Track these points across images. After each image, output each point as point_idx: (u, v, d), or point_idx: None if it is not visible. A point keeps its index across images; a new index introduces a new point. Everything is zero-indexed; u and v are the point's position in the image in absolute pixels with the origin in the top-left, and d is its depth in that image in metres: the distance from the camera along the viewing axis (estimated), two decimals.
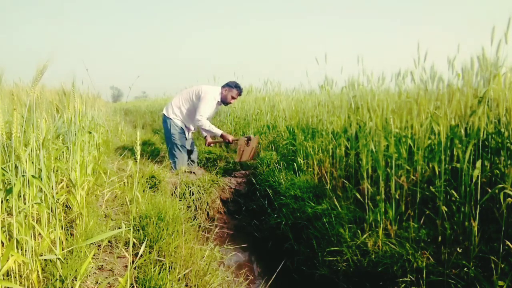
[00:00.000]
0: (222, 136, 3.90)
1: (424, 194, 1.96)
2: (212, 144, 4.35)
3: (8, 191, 1.30)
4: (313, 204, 2.49)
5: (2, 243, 1.31)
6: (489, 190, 1.62)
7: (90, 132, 2.40)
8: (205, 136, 4.28)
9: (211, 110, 3.89)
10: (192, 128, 4.14)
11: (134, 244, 2.02)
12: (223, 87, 3.92)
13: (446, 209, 1.76)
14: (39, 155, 1.51)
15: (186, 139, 4.06)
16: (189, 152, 4.21)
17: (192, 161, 4.21)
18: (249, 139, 3.93)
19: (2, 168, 1.30)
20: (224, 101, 3.93)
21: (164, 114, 4.03)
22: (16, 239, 1.28)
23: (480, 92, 1.85)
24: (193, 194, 3.30)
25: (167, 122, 3.97)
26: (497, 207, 1.72)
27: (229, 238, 2.95)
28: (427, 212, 1.89)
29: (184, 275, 1.74)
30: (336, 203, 2.28)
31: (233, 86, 3.88)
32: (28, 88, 1.43)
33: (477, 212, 1.62)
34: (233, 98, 3.92)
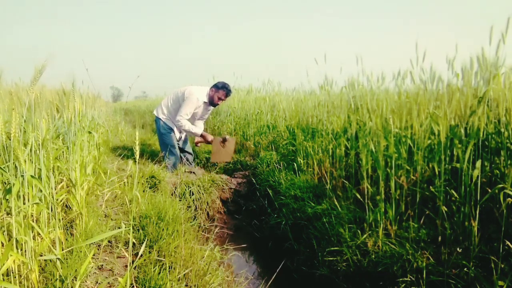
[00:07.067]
0: (202, 136, 3.91)
1: (424, 194, 1.96)
2: (199, 144, 4.32)
3: (8, 191, 1.30)
4: (313, 204, 2.49)
5: (2, 243, 1.31)
6: (489, 190, 1.62)
7: (90, 132, 2.40)
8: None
9: (193, 111, 3.82)
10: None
11: (134, 244, 2.01)
12: (211, 87, 3.85)
13: (446, 209, 1.76)
14: (38, 155, 1.50)
15: (177, 138, 4.03)
16: (184, 151, 4.18)
17: (187, 159, 4.18)
18: (224, 140, 3.88)
19: (1, 168, 1.30)
20: (211, 102, 3.87)
21: (155, 115, 4.04)
22: (16, 239, 1.28)
23: (480, 92, 1.85)
24: (193, 194, 3.30)
25: (157, 122, 3.97)
26: (497, 207, 1.72)
27: (229, 238, 2.95)
28: (427, 212, 1.89)
29: (184, 275, 1.74)
30: (336, 203, 2.28)
31: (219, 87, 3.79)
32: (27, 88, 1.43)
33: (477, 212, 1.62)
34: (220, 99, 3.83)
